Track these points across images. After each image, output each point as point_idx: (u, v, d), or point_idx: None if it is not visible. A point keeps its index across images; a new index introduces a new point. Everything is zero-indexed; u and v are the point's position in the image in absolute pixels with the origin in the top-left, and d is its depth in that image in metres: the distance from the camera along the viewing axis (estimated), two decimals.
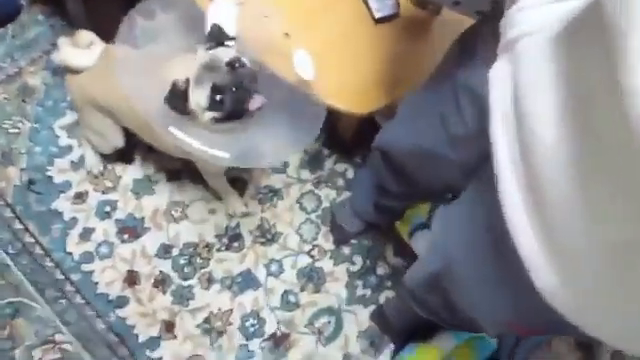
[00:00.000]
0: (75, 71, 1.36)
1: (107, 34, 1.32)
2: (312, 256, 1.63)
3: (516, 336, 1.44)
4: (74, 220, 1.57)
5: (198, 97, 1.06)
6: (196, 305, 1.53)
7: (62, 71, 1.40)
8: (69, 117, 1.66)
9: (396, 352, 1.54)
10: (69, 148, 1.64)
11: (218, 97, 1.05)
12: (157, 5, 1.14)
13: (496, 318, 0.82)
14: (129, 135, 1.46)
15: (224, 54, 1.07)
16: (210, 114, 1.07)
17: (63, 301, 1.49)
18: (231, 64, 1.06)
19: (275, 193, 1.68)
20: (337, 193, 1.70)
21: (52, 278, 1.50)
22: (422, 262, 1.06)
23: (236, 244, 1.61)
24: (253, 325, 1.54)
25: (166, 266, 1.56)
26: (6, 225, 1.53)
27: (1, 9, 1.75)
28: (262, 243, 1.62)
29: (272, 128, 1.15)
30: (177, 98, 1.05)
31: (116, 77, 1.09)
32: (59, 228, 1.55)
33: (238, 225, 1.62)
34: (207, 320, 1.52)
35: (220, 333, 1.52)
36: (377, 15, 1.34)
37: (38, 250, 1.52)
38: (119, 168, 1.63)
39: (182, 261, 1.57)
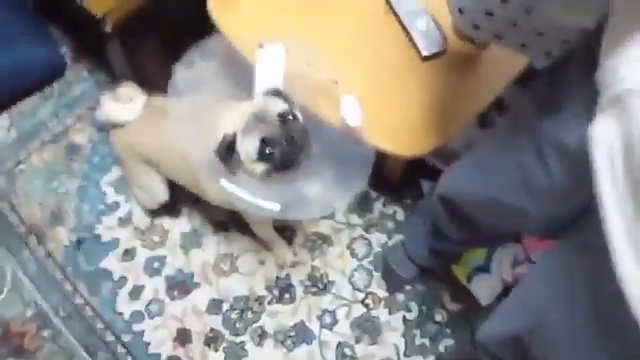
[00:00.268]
0: (119, 125, 1.35)
1: (151, 85, 1.32)
2: (366, 305, 1.55)
3: None
4: (123, 279, 1.55)
5: (247, 147, 1.03)
6: None
7: (107, 126, 1.40)
8: (115, 173, 1.66)
9: None
10: (116, 204, 1.63)
11: (268, 150, 1.02)
12: (197, 54, 1.13)
13: None
14: (174, 188, 1.45)
15: (275, 105, 1.05)
16: (261, 166, 1.04)
17: None
18: (282, 116, 1.03)
19: (324, 240, 1.62)
20: (388, 236, 1.63)
21: (104, 340, 1.48)
22: (503, 318, 0.99)
23: (287, 295, 1.55)
24: None
25: (217, 322, 1.51)
26: (57, 287, 1.52)
27: (47, 68, 1.79)
28: (314, 293, 1.55)
29: (320, 176, 1.12)
30: (227, 150, 1.03)
31: (162, 128, 1.09)
32: (109, 287, 1.53)
33: (288, 275, 1.57)
34: None
35: None
36: (424, 53, 1.29)
37: (89, 312, 1.50)
38: (166, 222, 1.62)
39: (233, 316, 1.52)
